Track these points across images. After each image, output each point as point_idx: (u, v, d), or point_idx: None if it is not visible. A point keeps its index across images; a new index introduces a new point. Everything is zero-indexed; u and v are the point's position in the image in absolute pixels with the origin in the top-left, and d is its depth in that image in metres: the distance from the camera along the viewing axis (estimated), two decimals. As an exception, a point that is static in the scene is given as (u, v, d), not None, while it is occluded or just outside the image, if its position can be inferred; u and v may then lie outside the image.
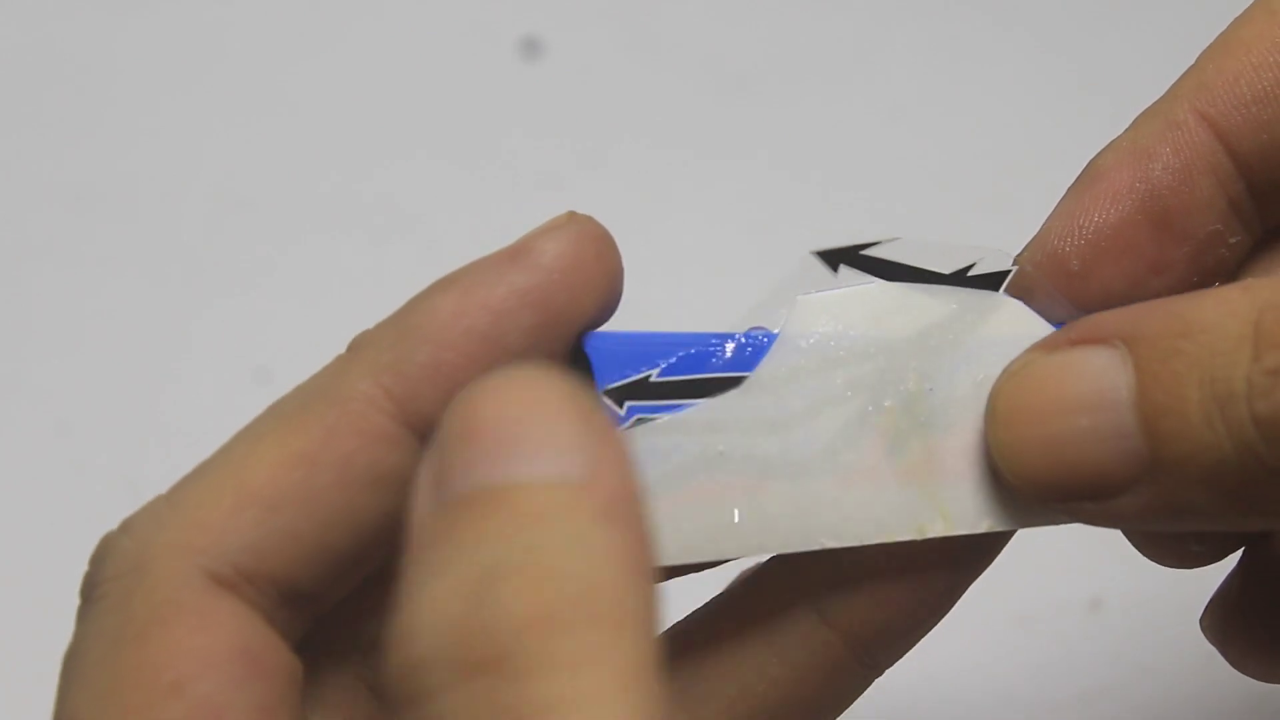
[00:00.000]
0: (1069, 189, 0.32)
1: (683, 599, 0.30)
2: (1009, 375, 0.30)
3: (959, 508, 0.30)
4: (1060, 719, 0.49)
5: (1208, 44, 0.32)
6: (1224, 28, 0.32)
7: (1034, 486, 0.29)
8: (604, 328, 0.30)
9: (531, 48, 0.64)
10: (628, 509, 0.23)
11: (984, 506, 0.30)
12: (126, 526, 0.28)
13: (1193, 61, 0.32)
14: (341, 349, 0.29)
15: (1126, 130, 0.32)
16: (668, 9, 0.65)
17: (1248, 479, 0.27)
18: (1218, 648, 0.34)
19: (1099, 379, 0.28)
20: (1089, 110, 0.60)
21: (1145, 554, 0.33)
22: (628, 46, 0.64)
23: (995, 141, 0.62)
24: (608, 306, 0.29)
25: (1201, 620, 0.34)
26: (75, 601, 0.28)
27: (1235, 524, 0.28)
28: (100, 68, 0.64)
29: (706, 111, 0.63)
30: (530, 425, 0.23)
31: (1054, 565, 0.50)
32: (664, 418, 0.29)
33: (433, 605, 0.22)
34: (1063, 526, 0.43)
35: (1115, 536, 0.33)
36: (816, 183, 0.60)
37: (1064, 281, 0.31)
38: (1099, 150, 0.32)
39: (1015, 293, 0.31)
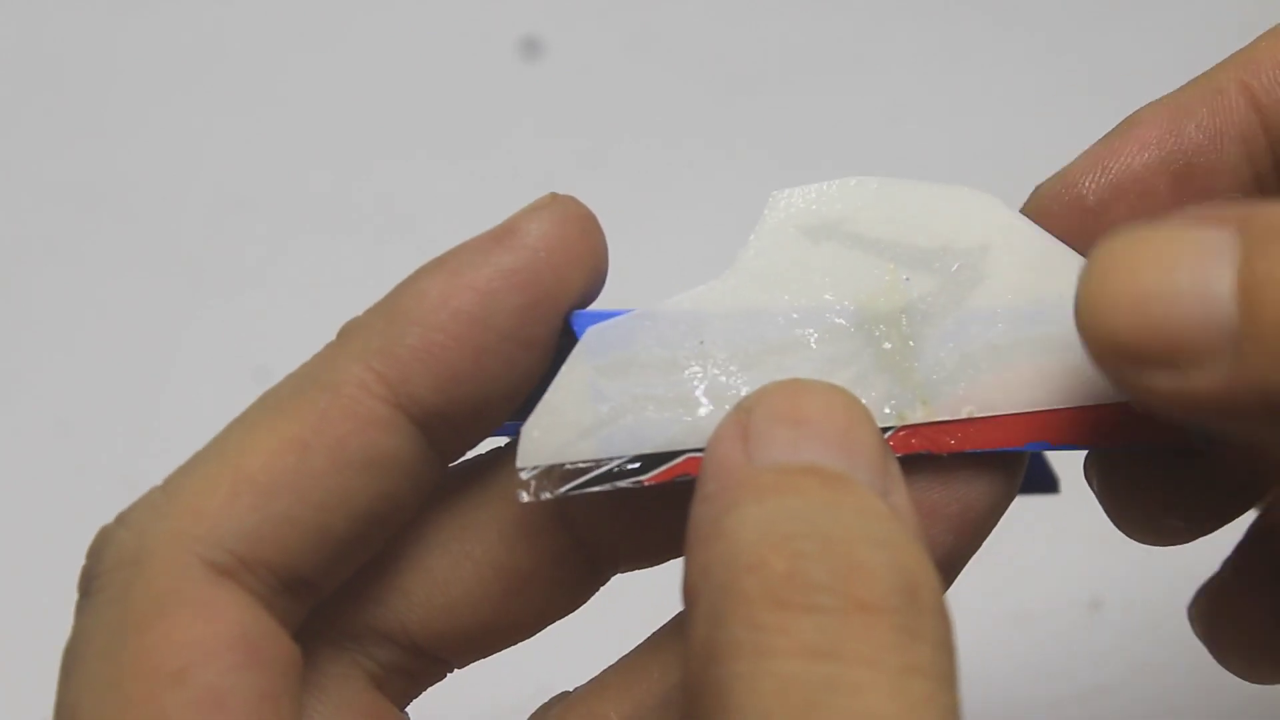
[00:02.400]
0: (1103, 136, 0.32)
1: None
2: (1114, 233, 0.28)
3: (938, 394, 0.30)
4: (1060, 718, 0.49)
5: (1213, 43, 0.32)
6: (1231, 26, 0.32)
7: (1112, 345, 0.27)
8: (590, 307, 0.30)
9: (531, 48, 0.64)
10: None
11: (965, 394, 0.30)
12: (123, 518, 0.28)
13: (1203, 56, 0.32)
14: (342, 350, 0.29)
15: (1172, 92, 0.32)
16: (668, 9, 0.65)
17: None
18: (1202, 639, 0.34)
19: (1206, 245, 0.27)
20: (1093, 109, 0.60)
21: (1123, 529, 0.33)
22: (628, 46, 0.65)
23: (997, 140, 0.62)
24: (594, 285, 0.30)
25: (1189, 609, 0.34)
26: (75, 601, 0.28)
27: None
28: (100, 68, 0.64)
29: (706, 111, 0.63)
30: (855, 434, 0.27)
31: (1054, 565, 0.50)
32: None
33: (743, 533, 0.25)
34: (1062, 527, 0.43)
35: (1115, 536, 0.33)
36: (817, 182, 0.60)
37: (1076, 214, 0.31)
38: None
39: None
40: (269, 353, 0.55)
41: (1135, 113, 0.32)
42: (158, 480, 0.29)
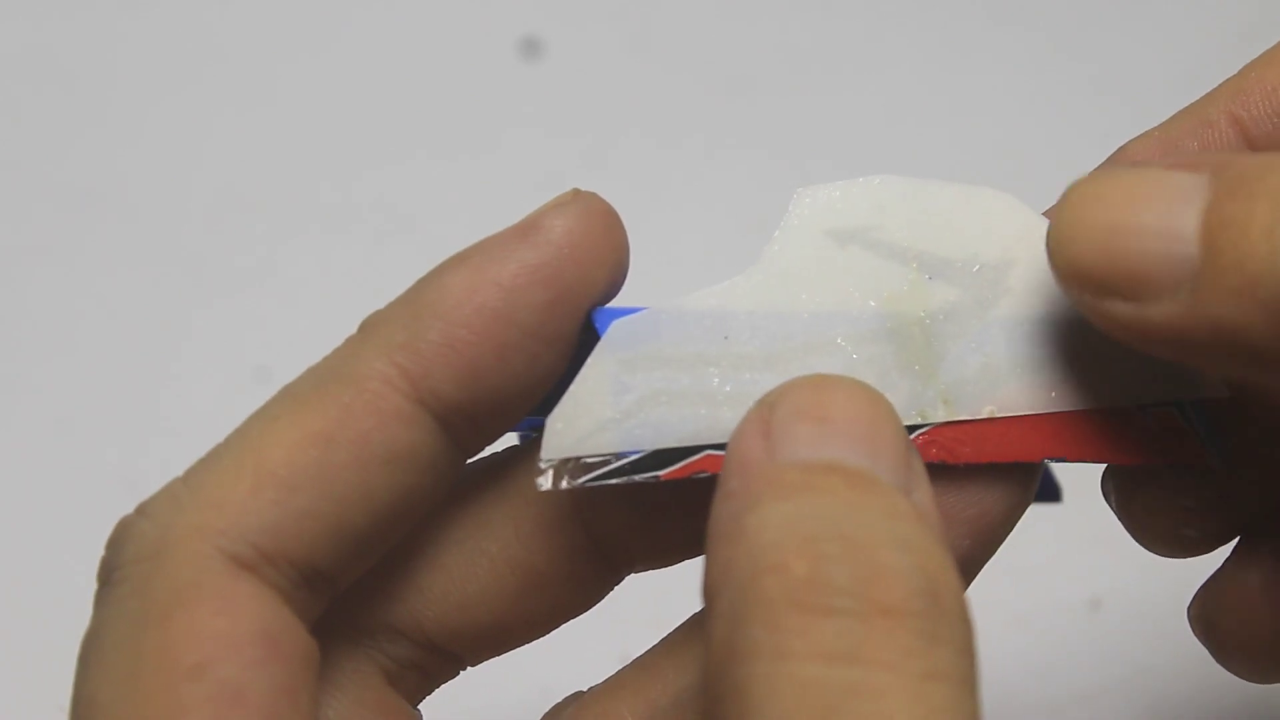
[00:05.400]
0: (1093, 171, 0.32)
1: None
2: (1094, 172, 0.29)
3: (960, 393, 0.30)
4: (1060, 718, 0.49)
5: (1213, 45, 0.32)
6: (1232, 27, 0.32)
7: (1076, 272, 0.28)
8: (611, 303, 0.30)
9: (531, 48, 0.64)
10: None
11: (986, 393, 0.30)
12: (144, 509, 0.28)
13: (1204, 56, 0.32)
14: (342, 349, 0.29)
15: (1161, 124, 0.32)
16: (668, 9, 0.65)
17: None
18: (1202, 640, 0.34)
19: (1178, 187, 0.27)
20: (1094, 109, 0.60)
21: (1139, 539, 0.33)
22: (628, 46, 0.65)
23: (997, 140, 0.62)
24: (616, 282, 0.30)
25: (1189, 610, 0.34)
26: (75, 599, 0.28)
27: (1272, 367, 0.27)
28: (100, 68, 0.64)
29: (707, 110, 0.63)
30: (879, 430, 0.27)
31: (1054, 565, 0.50)
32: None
33: (766, 533, 0.25)
34: (1062, 527, 0.43)
35: (1115, 536, 0.33)
36: (818, 181, 0.60)
37: None
38: (1112, 145, 0.32)
39: None
40: (269, 353, 0.55)
41: (1125, 146, 0.32)
42: (157, 481, 0.28)
